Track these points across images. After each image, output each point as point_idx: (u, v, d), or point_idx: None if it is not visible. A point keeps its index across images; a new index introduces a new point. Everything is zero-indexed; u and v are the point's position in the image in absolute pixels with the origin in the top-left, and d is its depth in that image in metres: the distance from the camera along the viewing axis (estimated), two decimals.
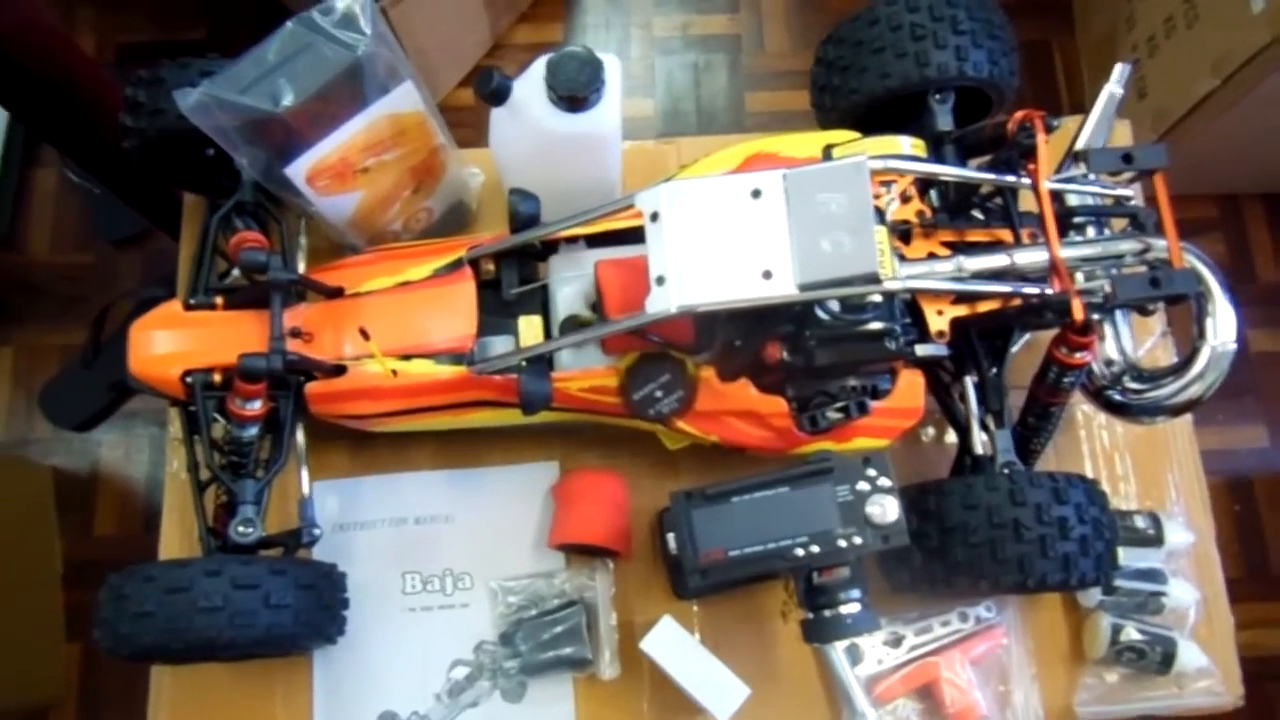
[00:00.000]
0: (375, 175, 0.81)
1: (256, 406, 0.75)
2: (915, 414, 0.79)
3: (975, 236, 0.78)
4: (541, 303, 0.81)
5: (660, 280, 0.65)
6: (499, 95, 0.74)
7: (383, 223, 0.87)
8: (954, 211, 0.79)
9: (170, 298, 0.82)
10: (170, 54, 0.83)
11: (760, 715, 0.76)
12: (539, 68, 0.73)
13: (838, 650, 0.82)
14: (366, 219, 0.85)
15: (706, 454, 0.83)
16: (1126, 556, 0.83)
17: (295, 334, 0.78)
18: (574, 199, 0.79)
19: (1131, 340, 0.81)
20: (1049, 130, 0.71)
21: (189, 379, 0.76)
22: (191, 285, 0.82)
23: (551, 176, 0.79)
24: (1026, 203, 0.75)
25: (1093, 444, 0.90)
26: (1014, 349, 0.80)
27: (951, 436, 0.87)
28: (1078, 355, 0.72)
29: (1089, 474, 0.88)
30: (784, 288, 0.64)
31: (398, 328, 0.78)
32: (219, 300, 0.80)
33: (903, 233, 0.76)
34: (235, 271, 0.84)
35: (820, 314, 0.66)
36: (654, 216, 0.66)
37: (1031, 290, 0.71)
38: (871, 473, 0.68)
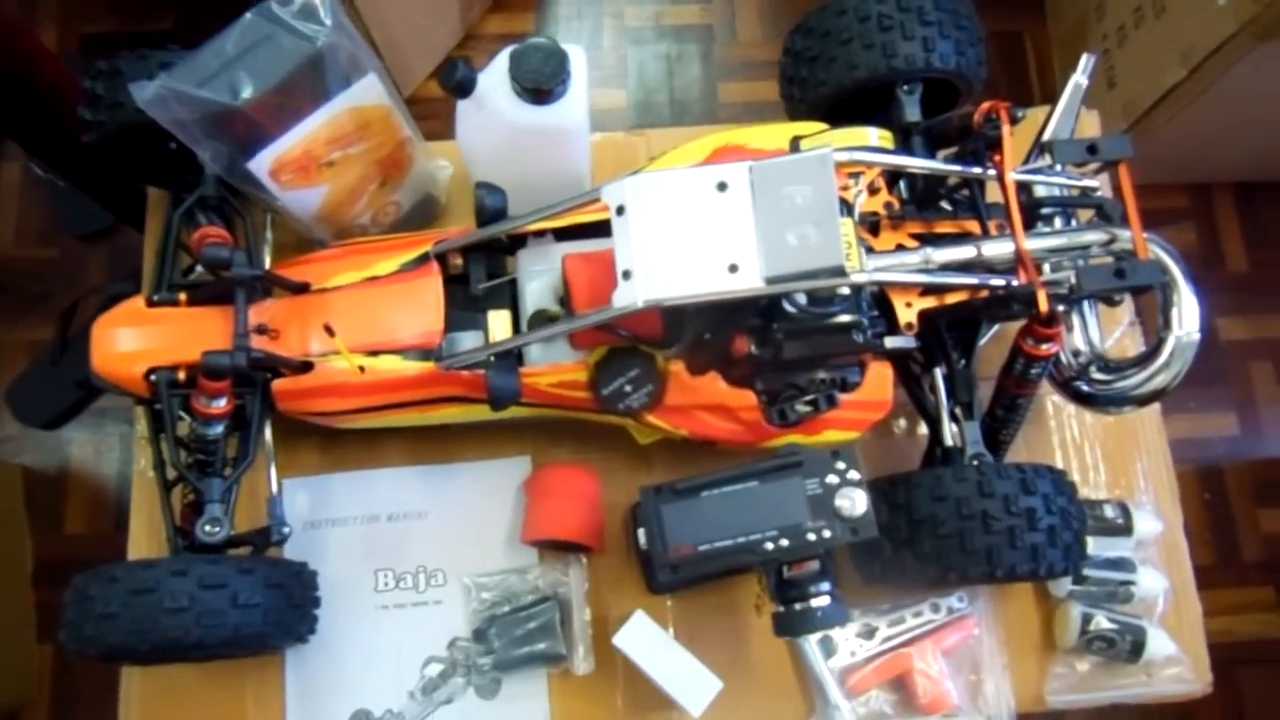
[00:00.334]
0: (341, 169, 0.81)
1: (222, 404, 0.74)
2: (884, 406, 0.79)
3: (943, 228, 0.78)
4: (510, 297, 0.81)
5: (627, 274, 0.65)
6: (464, 87, 0.74)
7: (350, 216, 0.86)
8: (922, 203, 0.79)
9: (138, 293, 0.81)
10: (135, 44, 0.82)
11: (734, 708, 0.77)
12: (503, 59, 0.73)
13: (811, 643, 0.82)
14: (333, 213, 0.84)
15: (679, 448, 0.83)
16: (1096, 546, 0.84)
17: (261, 330, 0.77)
18: (542, 192, 0.78)
19: (1099, 331, 0.81)
20: (1014, 121, 0.71)
21: (153, 377, 0.76)
22: (155, 281, 0.81)
23: (518, 169, 0.79)
24: (995, 193, 0.75)
25: (1063, 434, 0.91)
26: (982, 341, 0.81)
27: (923, 428, 0.87)
28: (1044, 347, 0.72)
29: (1059, 464, 0.89)
30: (750, 281, 0.64)
31: (365, 323, 0.77)
32: (183, 297, 0.79)
33: (871, 224, 0.76)
34: (199, 267, 0.83)
35: (788, 307, 0.66)
36: (620, 210, 0.66)
37: (998, 282, 0.71)
38: (840, 466, 0.68)
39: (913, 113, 0.82)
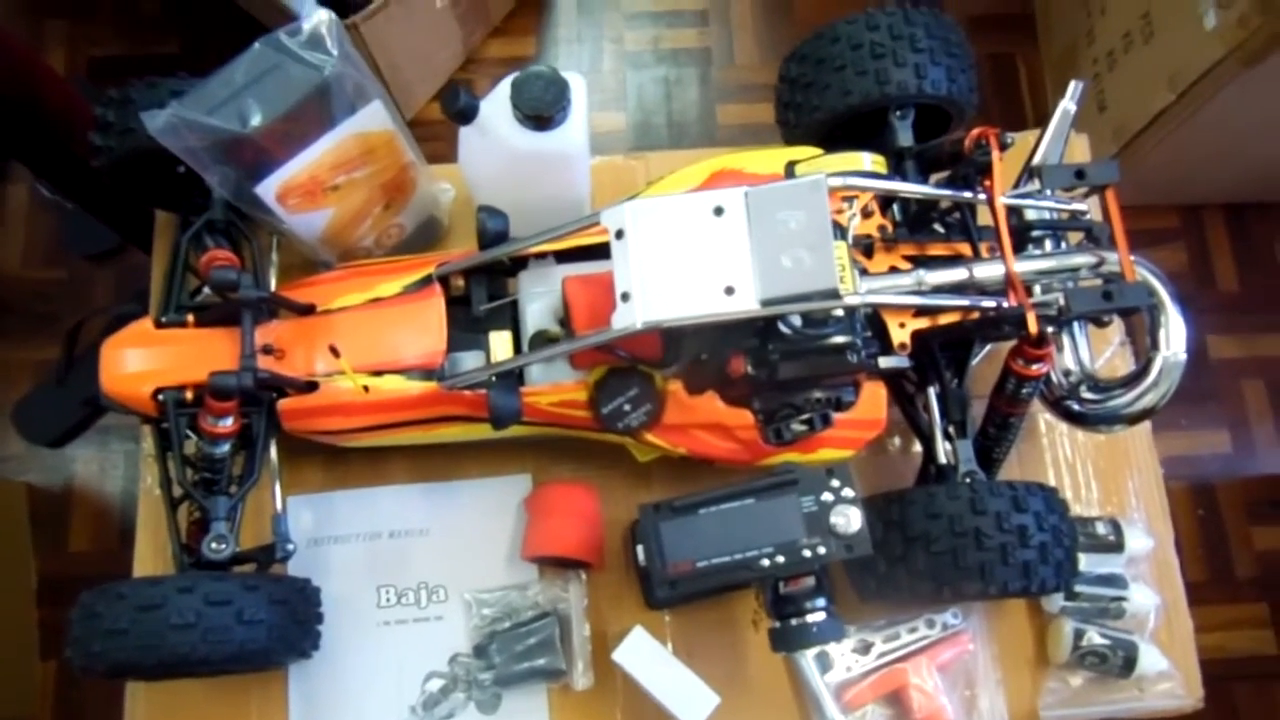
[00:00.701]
0: (345, 193, 0.82)
1: (228, 424, 0.75)
2: (878, 425, 0.81)
3: (936, 250, 0.79)
4: (511, 318, 0.82)
5: (625, 296, 0.66)
6: (466, 114, 0.75)
7: (354, 239, 0.88)
8: (914, 226, 0.81)
9: (143, 313, 0.82)
10: (142, 69, 0.84)
11: None
12: (505, 87, 0.75)
13: (807, 658, 0.83)
14: (338, 236, 0.86)
15: (678, 465, 0.84)
16: (1088, 562, 0.85)
17: (267, 351, 0.78)
18: (542, 215, 0.80)
19: (1088, 351, 0.83)
20: (1004, 147, 0.73)
21: (161, 397, 0.77)
22: (163, 303, 0.82)
23: (520, 193, 0.80)
24: (986, 217, 0.77)
25: (1055, 452, 0.92)
26: (975, 360, 0.82)
27: (917, 446, 0.88)
28: (1034, 367, 0.74)
29: (1052, 481, 0.91)
30: (746, 303, 0.65)
31: (369, 344, 0.79)
32: (190, 318, 0.80)
33: (865, 247, 0.77)
34: (207, 289, 0.85)
35: (783, 328, 0.67)
36: (619, 234, 0.68)
37: (989, 304, 0.73)
38: (835, 483, 0.69)
39: (905, 138, 0.84)
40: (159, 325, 0.80)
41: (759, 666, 0.85)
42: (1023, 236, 0.79)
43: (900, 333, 0.75)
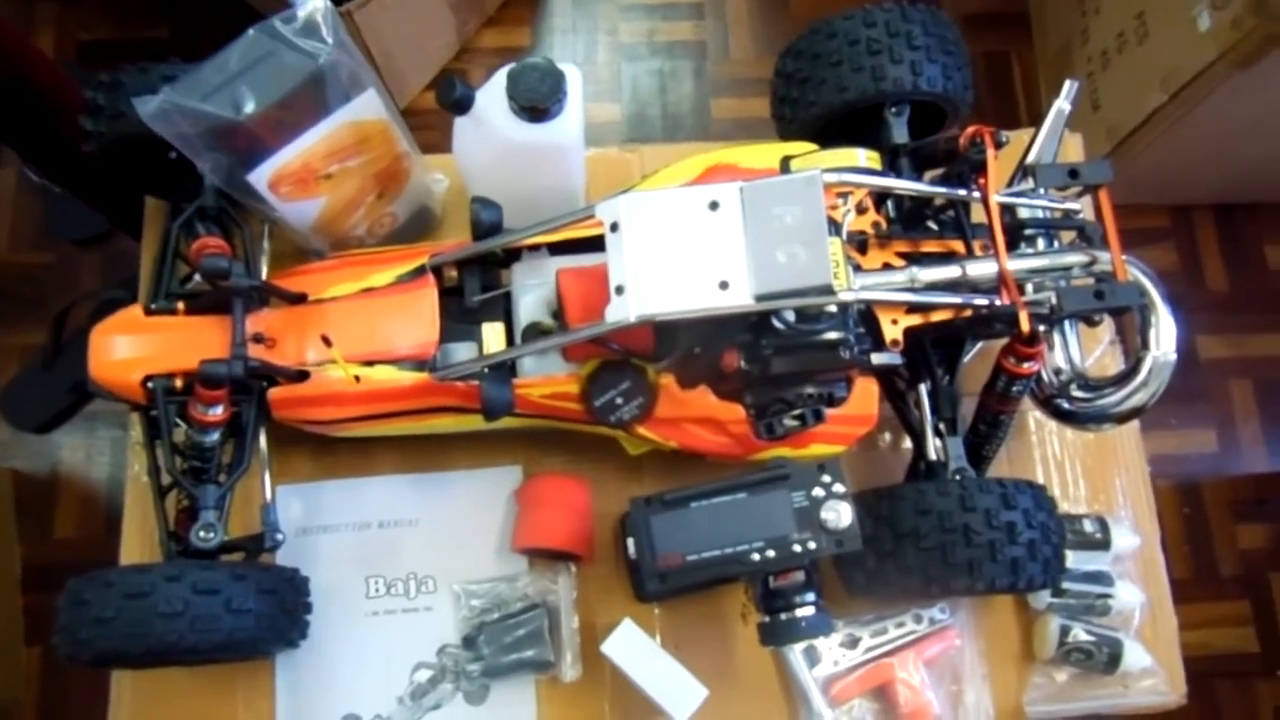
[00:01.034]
0: (338, 181, 0.82)
1: (218, 412, 0.75)
2: (869, 421, 0.81)
3: (929, 247, 0.79)
4: (504, 310, 0.82)
5: (620, 290, 0.66)
6: (461, 105, 0.75)
7: (346, 228, 0.87)
8: (908, 223, 0.81)
9: (131, 299, 0.81)
10: (132, 52, 0.83)
11: (719, 715, 0.77)
12: (500, 78, 0.74)
13: (795, 652, 0.83)
14: (330, 224, 0.86)
15: (669, 458, 0.84)
16: (1075, 559, 0.86)
17: (258, 339, 0.78)
18: (537, 207, 0.80)
19: (1079, 350, 0.83)
20: (998, 146, 0.73)
21: (150, 384, 0.76)
22: (153, 290, 0.82)
23: (514, 185, 0.80)
24: (979, 214, 0.77)
25: (1044, 449, 0.92)
26: (966, 358, 0.82)
27: (907, 442, 0.89)
28: (1025, 365, 0.74)
29: (1040, 479, 0.91)
30: (740, 298, 0.65)
31: (361, 334, 0.78)
32: (180, 305, 0.80)
33: (859, 243, 0.77)
34: (197, 276, 0.84)
35: (776, 324, 0.67)
36: (614, 227, 0.68)
37: (981, 302, 0.73)
38: (826, 479, 0.70)
39: (900, 134, 0.84)
40: (149, 312, 0.79)
41: (747, 660, 0.85)
42: (1015, 234, 0.79)
43: (893, 329, 0.75)
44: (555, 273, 0.78)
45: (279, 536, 0.78)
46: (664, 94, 1.74)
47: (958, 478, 0.78)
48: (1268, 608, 1.55)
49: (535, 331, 0.79)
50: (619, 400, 0.76)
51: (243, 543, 0.78)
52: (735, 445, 0.80)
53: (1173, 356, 0.77)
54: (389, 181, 0.86)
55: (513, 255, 0.83)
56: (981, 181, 0.74)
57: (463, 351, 0.81)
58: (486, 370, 0.76)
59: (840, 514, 0.69)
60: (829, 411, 0.73)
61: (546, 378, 0.78)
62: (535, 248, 0.83)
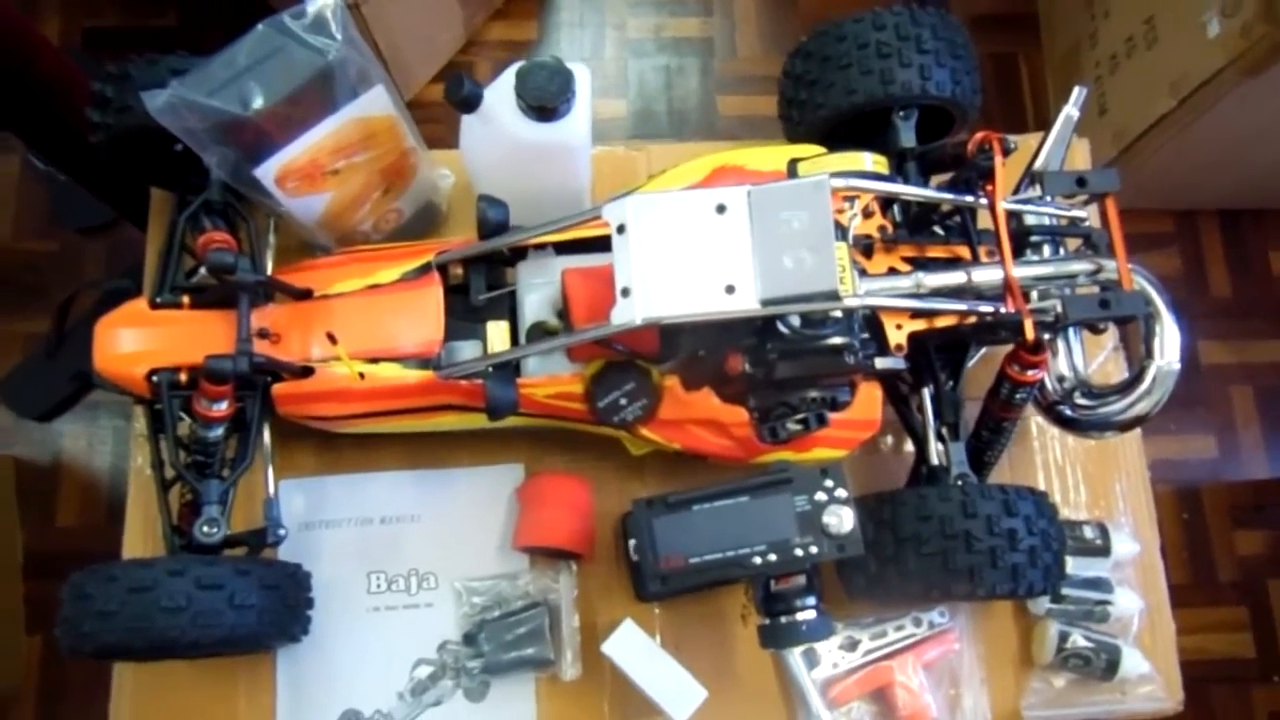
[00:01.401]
0: (345, 177, 0.82)
1: (223, 407, 0.75)
2: (873, 426, 0.81)
3: (935, 252, 0.79)
4: (509, 308, 0.82)
5: (626, 292, 0.66)
6: (469, 103, 0.75)
7: (352, 223, 0.87)
8: (915, 227, 0.81)
9: (135, 289, 0.81)
10: (139, 40, 0.83)
11: (719, 717, 0.78)
12: (509, 77, 0.74)
13: (795, 654, 0.83)
14: (336, 219, 0.86)
15: (670, 459, 0.84)
16: (1074, 566, 0.86)
17: (263, 335, 0.78)
18: (543, 205, 0.80)
19: (1083, 357, 0.83)
20: (1006, 153, 0.73)
21: (155, 378, 0.77)
22: (158, 283, 0.82)
23: (521, 183, 0.80)
24: (985, 220, 0.77)
25: (1045, 455, 0.93)
26: (970, 363, 0.82)
27: (909, 446, 0.89)
28: (1029, 373, 0.74)
29: (1041, 484, 0.91)
30: (746, 302, 0.65)
31: (366, 331, 0.78)
32: (186, 299, 0.80)
33: (865, 247, 0.77)
34: (203, 269, 0.84)
35: (781, 328, 0.67)
36: (621, 229, 0.68)
37: (986, 309, 0.73)
38: (829, 483, 0.70)
39: (908, 138, 0.84)
40: (154, 306, 0.79)
41: (747, 661, 0.86)
42: (1021, 241, 0.79)
43: (897, 334, 0.75)
44: (561, 273, 0.78)
45: (282, 532, 0.79)
46: (670, 90, 1.74)
47: (960, 483, 0.78)
48: (1265, 614, 1.56)
49: (540, 331, 0.80)
50: (623, 401, 0.76)
51: (245, 537, 0.78)
52: (738, 448, 0.80)
53: (1177, 366, 0.77)
54: (395, 177, 0.86)
55: (518, 254, 0.83)
56: (989, 188, 0.74)
57: (467, 350, 0.81)
58: (491, 369, 0.76)
59: (842, 519, 0.69)
60: (832, 416, 0.73)
61: (551, 377, 0.78)
62: (541, 246, 0.83)
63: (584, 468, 0.88)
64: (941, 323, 0.75)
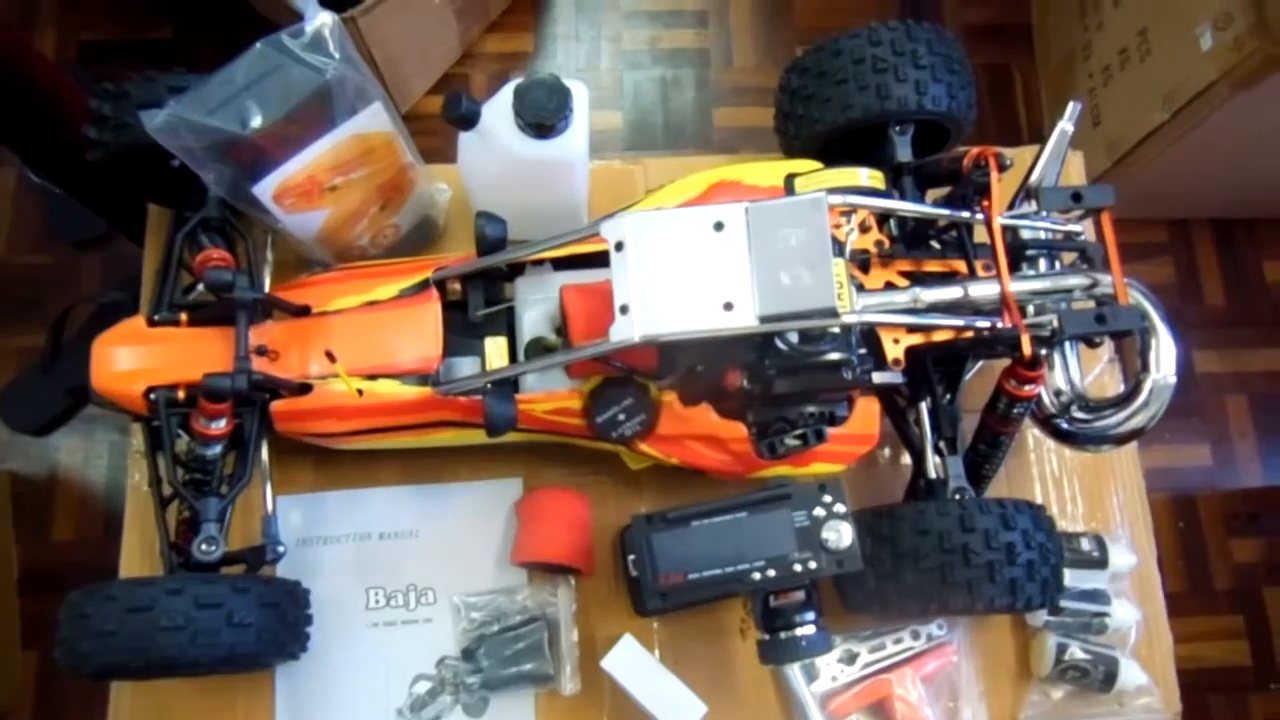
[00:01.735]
0: (342, 193, 0.82)
1: (221, 425, 0.75)
2: (871, 440, 0.81)
3: (932, 266, 0.80)
4: (507, 324, 0.82)
5: (624, 309, 0.67)
6: (467, 120, 0.75)
7: (350, 239, 0.88)
8: (911, 242, 0.81)
9: (130, 302, 0.81)
10: (134, 53, 0.83)
11: None
12: (507, 94, 0.75)
13: (794, 668, 0.84)
14: (333, 235, 0.86)
15: (668, 473, 0.84)
16: (1072, 578, 0.86)
17: (261, 352, 0.78)
18: (541, 220, 0.80)
19: (1079, 371, 0.84)
20: (1003, 169, 0.74)
21: (153, 396, 0.76)
22: (155, 301, 0.82)
23: (519, 199, 0.80)
24: (982, 233, 0.77)
25: (1042, 467, 0.93)
26: (967, 376, 0.83)
27: (906, 458, 0.89)
28: (1027, 388, 0.74)
29: (1039, 497, 0.92)
30: (745, 319, 0.66)
31: (364, 347, 0.78)
32: (183, 316, 0.80)
33: (861, 262, 0.78)
34: (200, 286, 0.84)
35: (779, 344, 0.67)
36: (619, 246, 0.68)
37: (983, 324, 0.73)
38: (827, 499, 0.70)
39: (904, 153, 0.84)
40: (151, 323, 0.79)
41: (745, 675, 0.86)
42: (1017, 255, 0.79)
43: (894, 348, 0.75)
44: (559, 289, 0.78)
45: (280, 550, 0.79)
46: (666, 102, 1.74)
47: (957, 497, 0.78)
48: (1261, 622, 1.56)
49: (538, 347, 0.80)
50: (621, 417, 0.77)
51: (244, 555, 0.78)
52: (736, 463, 0.80)
53: (1173, 379, 0.78)
54: (393, 193, 0.86)
55: (516, 269, 0.83)
56: (985, 204, 0.74)
57: (466, 366, 0.81)
58: (489, 385, 0.76)
59: (841, 534, 0.69)
60: (830, 430, 0.74)
61: (549, 393, 0.78)
62: (539, 262, 0.83)
63: (582, 482, 0.88)
64: (939, 337, 0.76)
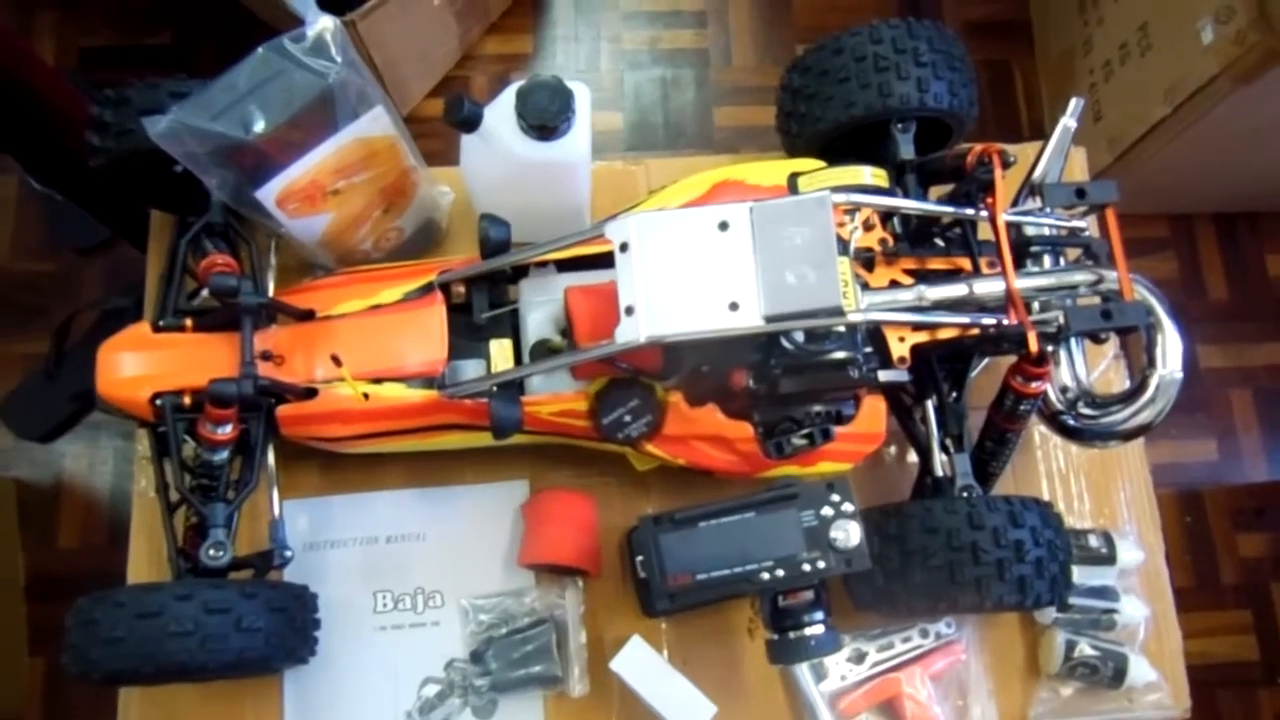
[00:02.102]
0: (345, 197, 0.82)
1: (227, 430, 0.75)
2: (877, 439, 0.81)
3: (936, 264, 0.80)
4: (512, 326, 0.82)
5: (629, 310, 0.67)
6: (469, 123, 0.75)
7: (353, 242, 0.88)
8: (915, 239, 0.81)
9: (134, 308, 0.81)
10: (134, 59, 0.83)
11: None
12: (509, 96, 0.75)
13: (802, 667, 0.84)
14: (337, 239, 0.86)
15: (675, 474, 0.84)
16: (1080, 575, 0.86)
17: (266, 357, 0.78)
18: (544, 223, 0.80)
19: (1085, 367, 0.84)
20: (1006, 165, 0.74)
21: (158, 402, 0.76)
22: (160, 306, 0.82)
23: (522, 201, 0.80)
24: (986, 230, 0.77)
25: (1049, 464, 0.93)
26: (973, 373, 0.82)
27: (913, 456, 0.89)
28: (1033, 385, 0.74)
29: (1045, 493, 0.91)
30: (750, 319, 0.65)
31: (369, 351, 0.78)
32: (188, 322, 0.80)
33: (866, 260, 0.78)
34: (205, 291, 0.84)
35: (785, 344, 0.67)
36: (623, 247, 0.68)
37: (989, 321, 0.73)
38: (835, 498, 0.70)
39: (907, 150, 0.84)
40: (156, 329, 0.79)
41: (754, 674, 0.85)
42: (1021, 251, 0.79)
43: (900, 346, 0.75)
44: (564, 291, 0.78)
45: (288, 554, 0.78)
46: (666, 102, 1.74)
47: (965, 495, 0.78)
48: (1268, 616, 1.56)
49: (544, 349, 0.80)
50: (627, 418, 0.76)
51: (251, 560, 0.78)
52: (743, 463, 0.80)
53: (1179, 375, 0.78)
54: (396, 196, 0.86)
55: (520, 271, 0.83)
56: (989, 201, 0.74)
57: (471, 368, 0.81)
58: (495, 388, 0.76)
59: (849, 533, 0.69)
60: (837, 429, 0.74)
61: (555, 395, 0.78)
62: (543, 264, 0.83)
63: (589, 484, 0.88)
64: (944, 334, 0.76)
